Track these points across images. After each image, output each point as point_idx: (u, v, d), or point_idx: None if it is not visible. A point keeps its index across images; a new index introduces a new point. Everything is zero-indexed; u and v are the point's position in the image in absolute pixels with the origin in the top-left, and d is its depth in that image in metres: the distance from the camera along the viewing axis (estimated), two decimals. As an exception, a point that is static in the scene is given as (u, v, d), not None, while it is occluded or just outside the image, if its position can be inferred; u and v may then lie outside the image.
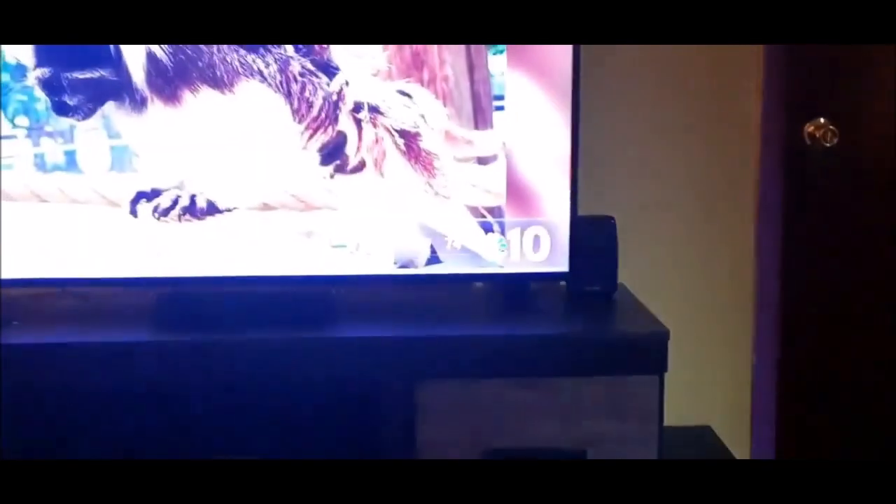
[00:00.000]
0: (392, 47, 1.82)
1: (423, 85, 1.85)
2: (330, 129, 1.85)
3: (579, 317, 1.93)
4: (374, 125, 1.86)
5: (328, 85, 1.83)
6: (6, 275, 1.83)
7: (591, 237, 1.94)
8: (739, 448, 2.19)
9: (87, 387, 1.78)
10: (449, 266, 1.90)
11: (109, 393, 1.82)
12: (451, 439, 1.80)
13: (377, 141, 1.87)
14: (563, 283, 1.97)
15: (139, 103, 1.80)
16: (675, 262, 2.19)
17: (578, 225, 1.91)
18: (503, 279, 1.93)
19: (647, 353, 1.81)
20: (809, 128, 2.10)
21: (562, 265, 1.91)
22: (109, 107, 1.81)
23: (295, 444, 1.90)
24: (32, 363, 1.75)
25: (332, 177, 1.86)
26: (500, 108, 1.87)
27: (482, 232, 1.89)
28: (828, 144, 2.08)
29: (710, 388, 2.23)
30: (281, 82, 1.83)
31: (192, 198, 1.85)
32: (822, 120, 2.09)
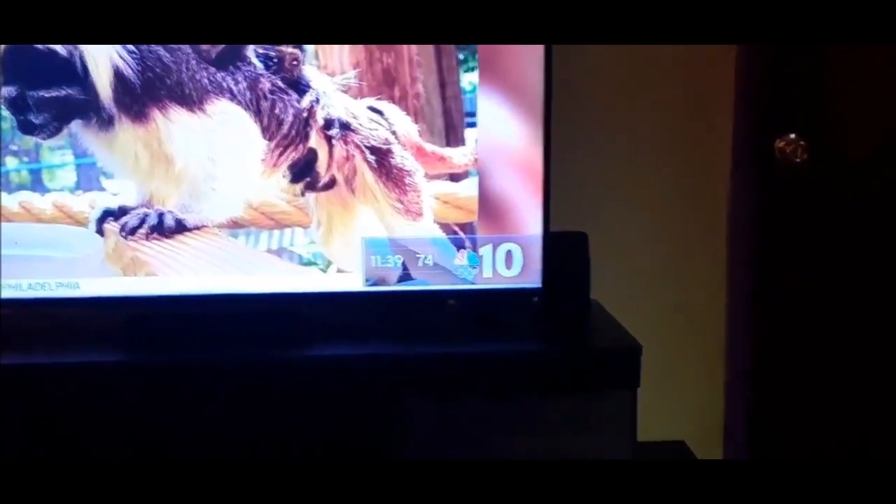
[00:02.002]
0: (363, 64, 1.77)
1: (394, 101, 1.78)
2: (300, 146, 1.78)
3: (552, 333, 1.86)
4: (346, 142, 1.79)
5: (298, 102, 1.77)
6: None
7: (564, 253, 1.87)
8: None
9: (56, 408, 1.69)
10: (421, 283, 1.84)
11: (79, 415, 1.71)
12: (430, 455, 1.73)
13: (348, 158, 1.80)
14: (535, 298, 1.90)
15: (106, 122, 1.73)
16: (647, 277, 2.14)
17: (551, 240, 1.85)
18: (476, 296, 1.86)
19: (619, 368, 1.76)
20: (780, 143, 2.05)
21: (535, 281, 1.85)
22: (76, 125, 1.73)
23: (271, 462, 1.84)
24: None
25: (302, 194, 1.80)
26: (472, 125, 1.81)
27: (454, 248, 1.83)
28: (798, 160, 2.04)
29: (683, 403, 2.18)
30: (251, 100, 1.76)
31: (160, 216, 1.78)
32: (792, 136, 2.04)
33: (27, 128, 1.73)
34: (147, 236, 1.77)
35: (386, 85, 1.78)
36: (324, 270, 1.82)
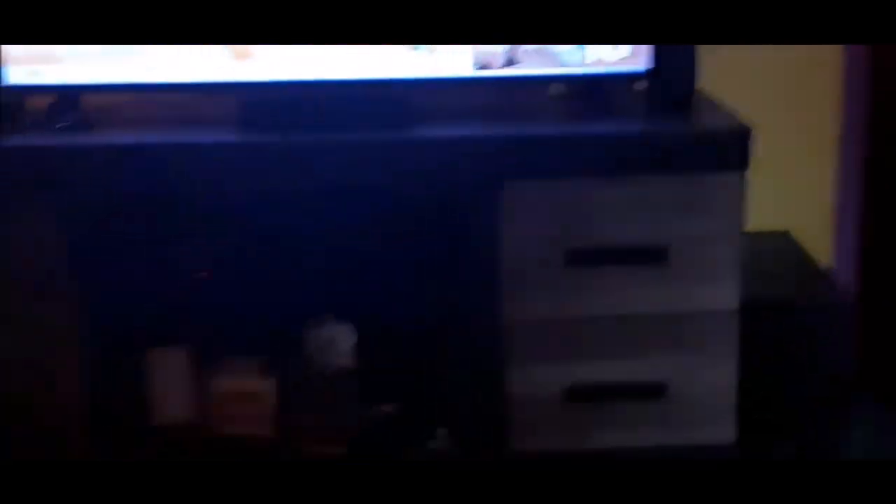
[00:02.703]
0: None
1: None
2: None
3: (661, 115, 1.82)
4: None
5: None
6: (87, 80, 1.77)
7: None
8: (820, 254, 2.12)
9: (171, 187, 1.75)
10: (527, 67, 1.79)
11: (193, 193, 1.79)
12: (536, 239, 1.75)
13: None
14: (642, 84, 1.86)
15: None
16: (757, 64, 2.08)
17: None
18: (582, 79, 1.83)
19: (729, 149, 1.72)
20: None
21: (642, 64, 1.80)
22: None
23: (378, 246, 1.89)
24: (117, 164, 1.71)
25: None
26: None
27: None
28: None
29: (790, 193, 2.15)
30: None
31: None
32: None
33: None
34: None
35: None
36: (430, 54, 1.78)
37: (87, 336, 1.76)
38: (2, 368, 1.76)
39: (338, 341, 1.90)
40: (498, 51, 1.78)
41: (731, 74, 2.01)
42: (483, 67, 1.80)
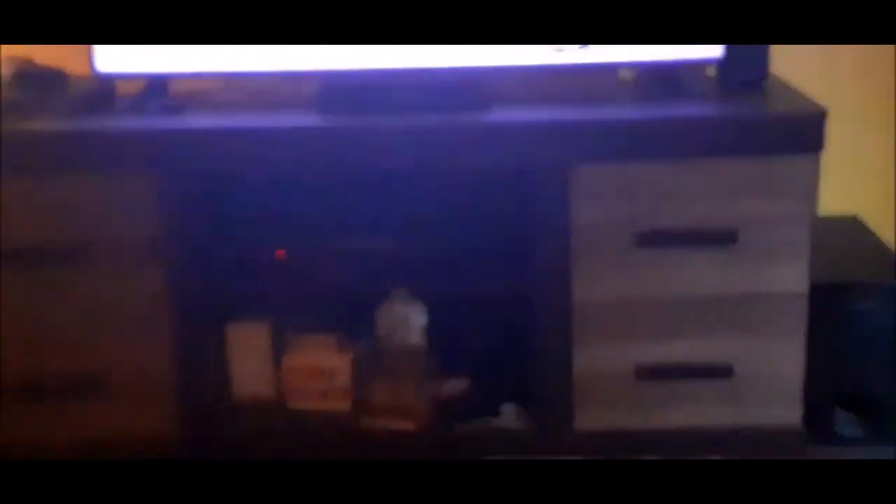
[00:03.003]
0: None
1: None
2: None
3: (732, 100, 1.85)
4: None
5: None
6: (174, 68, 1.85)
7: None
8: (889, 238, 2.10)
9: (253, 169, 1.82)
10: (596, 52, 1.82)
11: (274, 174, 1.86)
12: (605, 221, 1.78)
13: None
14: (712, 71, 1.90)
15: None
16: (827, 48, 2.05)
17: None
18: (656, 66, 1.85)
19: (803, 132, 1.73)
20: None
21: (713, 51, 1.82)
22: None
23: (451, 226, 1.92)
24: (205, 146, 1.78)
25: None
26: None
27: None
28: None
29: (858, 176, 2.14)
30: None
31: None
32: None
33: None
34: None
35: None
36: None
37: (174, 311, 1.83)
38: (91, 342, 1.85)
39: (410, 318, 1.95)
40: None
41: (801, 58, 2.01)
42: (557, 52, 1.83)
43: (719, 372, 1.83)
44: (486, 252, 1.90)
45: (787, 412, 1.85)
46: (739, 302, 1.81)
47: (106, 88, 1.91)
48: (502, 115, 1.82)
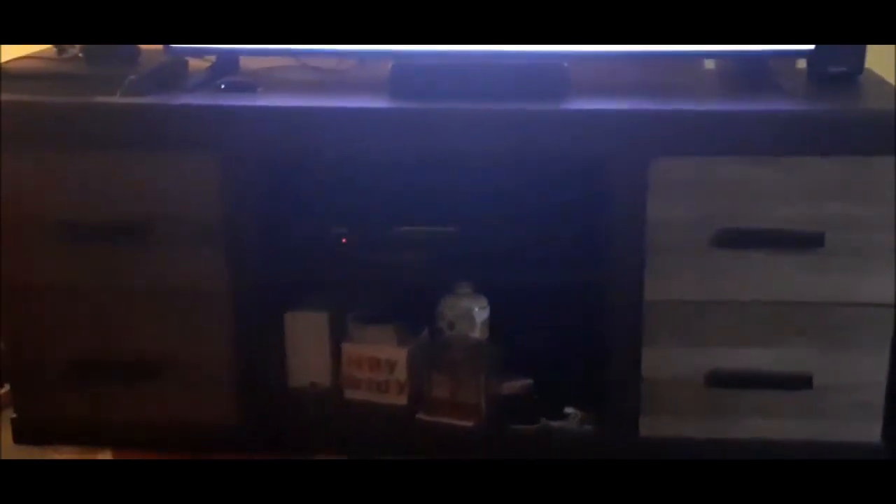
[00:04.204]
0: None
1: None
2: None
3: (823, 95, 1.76)
4: None
5: None
6: (246, 44, 1.80)
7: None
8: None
9: (321, 151, 1.77)
10: (684, 42, 1.72)
11: (342, 157, 1.81)
12: (683, 217, 1.70)
13: None
14: (802, 63, 1.81)
15: None
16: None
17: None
18: (740, 56, 1.77)
19: (891, 132, 1.63)
20: None
21: (805, 43, 1.73)
22: None
23: (521, 218, 1.86)
24: (273, 126, 1.74)
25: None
26: None
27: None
28: None
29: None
30: None
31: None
32: None
33: None
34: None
35: None
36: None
37: (234, 296, 1.80)
38: (149, 324, 1.83)
39: (473, 313, 1.90)
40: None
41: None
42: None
43: (797, 383, 1.74)
44: (556, 246, 1.83)
45: (866, 429, 1.75)
46: (822, 309, 1.73)
47: (177, 64, 1.89)
48: (580, 103, 1.74)
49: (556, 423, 1.83)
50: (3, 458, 1.87)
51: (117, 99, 1.75)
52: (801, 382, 1.75)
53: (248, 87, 1.83)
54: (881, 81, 1.83)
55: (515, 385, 1.91)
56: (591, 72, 1.87)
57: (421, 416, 1.86)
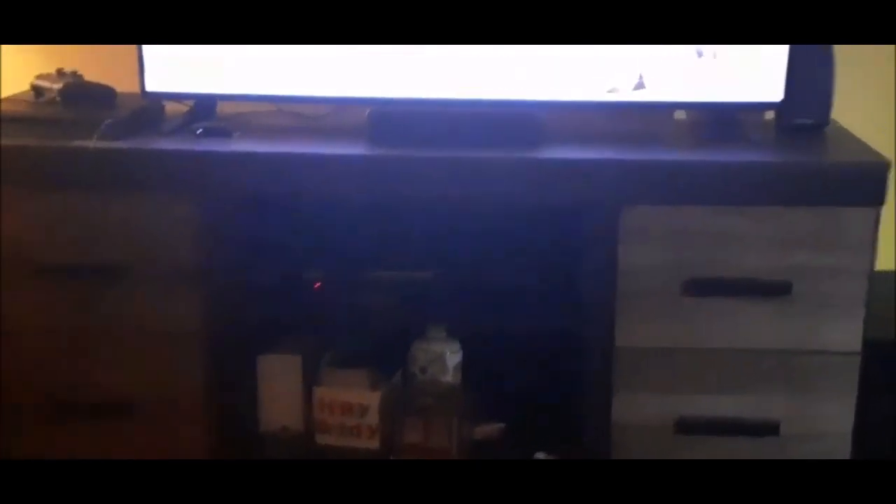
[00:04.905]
0: None
1: None
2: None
3: (790, 146, 1.80)
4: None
5: None
6: (225, 90, 1.84)
7: (806, 66, 1.79)
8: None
9: (298, 195, 1.79)
10: (654, 92, 1.79)
11: (319, 203, 1.84)
12: (653, 265, 1.73)
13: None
14: (770, 114, 1.85)
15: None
16: (887, 98, 2.02)
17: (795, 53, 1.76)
18: (710, 107, 1.82)
19: (864, 184, 1.68)
20: None
21: (773, 95, 1.78)
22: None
23: (493, 264, 1.89)
24: (249, 171, 1.76)
25: None
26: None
27: (695, 56, 1.78)
28: None
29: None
30: None
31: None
32: None
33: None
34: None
35: None
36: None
37: (208, 337, 1.80)
38: (123, 364, 1.82)
39: (445, 357, 1.91)
40: (628, 76, 1.79)
41: (864, 105, 1.97)
42: (611, 91, 1.81)
43: (765, 430, 1.76)
44: (529, 291, 1.86)
45: (833, 475, 1.79)
46: (789, 357, 1.75)
47: (154, 108, 1.90)
48: (554, 151, 1.77)
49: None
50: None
51: (94, 143, 1.76)
52: (768, 429, 1.77)
53: (223, 133, 1.84)
54: (846, 133, 1.88)
55: (487, 429, 1.92)
56: (566, 121, 1.89)
57: (393, 460, 1.87)
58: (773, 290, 1.72)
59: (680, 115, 1.96)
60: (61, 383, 1.83)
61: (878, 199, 1.68)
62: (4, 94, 2.03)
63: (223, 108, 1.95)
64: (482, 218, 1.88)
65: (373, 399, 1.89)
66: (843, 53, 1.85)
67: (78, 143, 1.77)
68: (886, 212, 1.72)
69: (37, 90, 1.95)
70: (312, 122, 1.94)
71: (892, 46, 2.02)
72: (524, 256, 1.90)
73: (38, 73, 1.96)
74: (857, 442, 1.77)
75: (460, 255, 1.89)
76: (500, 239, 1.92)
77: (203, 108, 1.91)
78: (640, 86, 1.79)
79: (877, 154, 1.74)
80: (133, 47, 1.83)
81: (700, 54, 1.76)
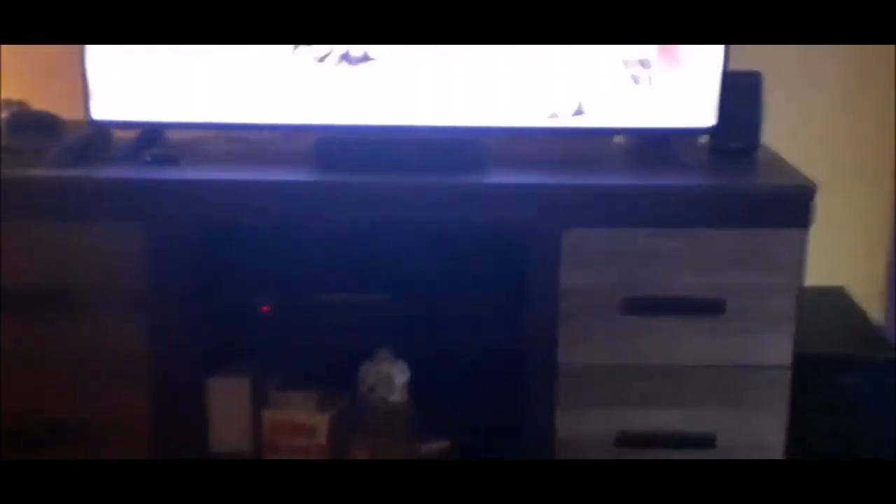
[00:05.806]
0: None
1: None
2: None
3: (722, 169, 1.87)
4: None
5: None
6: (172, 118, 1.86)
7: (737, 92, 1.87)
8: (874, 311, 2.14)
9: (246, 222, 1.82)
10: (592, 118, 1.85)
11: (266, 228, 1.87)
12: (593, 285, 1.78)
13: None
14: (704, 138, 1.92)
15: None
16: (817, 120, 2.12)
17: (726, 79, 1.83)
18: (646, 133, 1.89)
19: (792, 206, 1.75)
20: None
21: (706, 120, 1.85)
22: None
23: (438, 286, 1.92)
24: (198, 198, 1.78)
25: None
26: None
27: (632, 83, 1.84)
28: None
29: (844, 248, 2.16)
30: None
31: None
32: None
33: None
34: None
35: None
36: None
37: (155, 362, 1.82)
38: (70, 390, 1.83)
39: (393, 377, 1.94)
40: (568, 102, 1.84)
41: (792, 130, 2.04)
42: (552, 117, 1.86)
43: (702, 442, 1.83)
44: (473, 312, 1.90)
45: (768, 485, 1.86)
46: (724, 372, 1.82)
47: (101, 136, 1.91)
48: (496, 176, 1.83)
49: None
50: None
51: (42, 172, 1.77)
52: (705, 442, 1.83)
53: (172, 161, 1.86)
54: (776, 156, 1.96)
55: (434, 447, 1.96)
56: (507, 146, 1.95)
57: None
58: (707, 308, 1.79)
59: (618, 139, 2.02)
60: (6, 409, 1.82)
61: (805, 221, 1.76)
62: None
63: (171, 135, 1.97)
64: (427, 241, 1.91)
65: (321, 420, 1.91)
66: (773, 78, 1.94)
67: (25, 171, 1.78)
68: (816, 229, 1.80)
69: (-20, 119, 1.96)
70: (259, 148, 1.97)
71: (821, 72, 2.12)
72: (469, 278, 1.95)
73: (-19, 103, 1.97)
74: (789, 452, 1.84)
75: (406, 277, 1.93)
76: (445, 262, 1.95)
77: (150, 134, 1.93)
78: (579, 112, 1.85)
79: (804, 177, 1.81)
80: (77, 76, 1.83)
81: (636, 80, 1.83)
